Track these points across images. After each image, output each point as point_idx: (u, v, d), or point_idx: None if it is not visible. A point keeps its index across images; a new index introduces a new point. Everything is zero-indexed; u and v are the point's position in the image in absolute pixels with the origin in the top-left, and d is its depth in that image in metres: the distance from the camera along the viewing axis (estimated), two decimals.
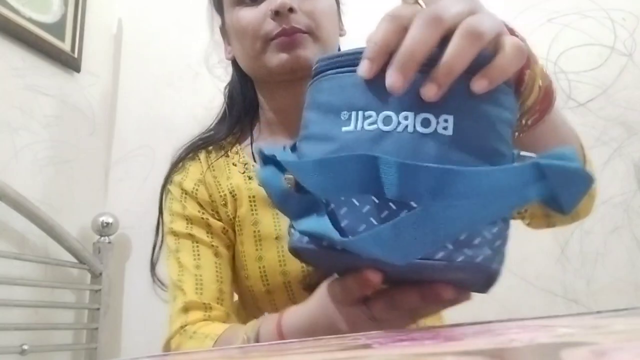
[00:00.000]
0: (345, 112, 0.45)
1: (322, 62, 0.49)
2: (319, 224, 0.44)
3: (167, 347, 0.78)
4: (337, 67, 0.47)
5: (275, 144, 0.72)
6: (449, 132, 0.42)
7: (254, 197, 0.81)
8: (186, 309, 0.77)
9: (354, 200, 0.44)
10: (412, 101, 0.43)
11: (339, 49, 0.85)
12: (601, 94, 1.57)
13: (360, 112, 0.45)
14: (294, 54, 0.76)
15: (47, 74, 1.65)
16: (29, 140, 1.56)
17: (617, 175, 1.52)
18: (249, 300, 0.82)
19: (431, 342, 0.30)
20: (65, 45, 1.71)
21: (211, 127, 0.92)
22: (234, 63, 0.89)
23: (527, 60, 0.52)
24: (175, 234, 0.82)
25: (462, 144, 0.43)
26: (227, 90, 0.95)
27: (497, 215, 0.43)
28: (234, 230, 0.82)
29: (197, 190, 0.83)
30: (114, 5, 1.98)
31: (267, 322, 0.63)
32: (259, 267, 0.79)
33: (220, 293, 0.78)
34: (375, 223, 0.42)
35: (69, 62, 1.72)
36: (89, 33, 1.81)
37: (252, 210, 0.81)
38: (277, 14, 0.75)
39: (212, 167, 0.85)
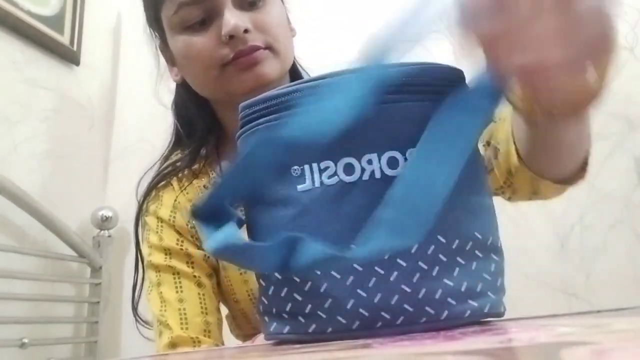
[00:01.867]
0: (296, 167, 0.39)
1: (249, 110, 0.42)
2: (314, 253, 0.35)
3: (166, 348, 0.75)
4: (271, 114, 0.40)
5: None
6: None
7: None
8: (174, 344, 0.73)
9: (334, 273, 0.37)
10: (373, 140, 0.37)
11: (295, 56, 0.81)
12: None
13: (314, 165, 0.38)
14: (256, 72, 0.71)
15: (46, 68, 1.65)
16: (28, 134, 1.56)
17: (617, 169, 1.52)
18: (241, 320, 0.80)
19: (431, 341, 0.30)
20: (64, 39, 1.70)
21: (168, 150, 0.90)
22: (183, 84, 0.84)
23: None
24: (155, 267, 0.78)
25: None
26: (175, 110, 0.93)
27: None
28: (213, 259, 0.78)
29: (174, 217, 0.80)
30: None
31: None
32: (246, 291, 0.76)
33: (206, 325, 0.75)
34: (364, 295, 0.37)
35: (68, 56, 1.72)
36: (88, 26, 1.81)
37: None
38: (231, 38, 0.70)
39: (186, 191, 0.81)
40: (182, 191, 0.81)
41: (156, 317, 0.76)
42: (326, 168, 0.38)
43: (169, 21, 0.76)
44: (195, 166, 0.83)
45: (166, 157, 0.89)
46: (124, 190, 1.85)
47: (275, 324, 0.40)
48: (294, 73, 0.82)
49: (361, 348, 0.29)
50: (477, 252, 0.39)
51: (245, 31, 0.70)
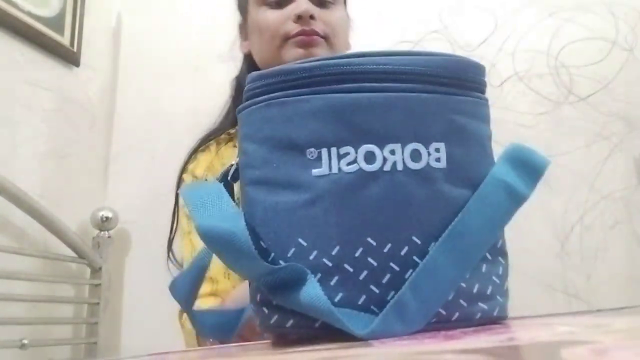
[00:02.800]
0: (313, 149, 0.36)
1: (259, 82, 0.39)
2: (320, 300, 0.34)
3: (180, 315, 0.90)
4: (290, 89, 0.38)
5: None
6: (442, 164, 0.36)
7: None
8: None
9: (347, 266, 0.36)
10: (397, 129, 0.36)
11: None
12: (602, 88, 1.57)
13: (333, 149, 0.36)
14: (309, 51, 0.84)
15: (46, 68, 1.65)
16: (28, 134, 1.56)
17: (617, 170, 1.52)
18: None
19: (431, 340, 0.30)
20: (65, 40, 1.70)
21: (219, 120, 1.02)
22: (247, 57, 0.98)
23: None
24: (187, 216, 0.91)
25: (456, 175, 0.37)
26: (234, 82, 1.04)
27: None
28: None
29: (206, 176, 0.92)
30: (113, 0, 1.98)
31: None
32: None
33: (226, 269, 0.82)
34: (377, 291, 0.35)
35: (68, 56, 1.72)
36: (88, 27, 1.80)
37: None
38: (299, 18, 0.84)
39: (222, 155, 0.94)
40: (216, 154, 0.93)
41: (186, 260, 0.89)
42: (346, 154, 0.36)
43: None
44: (235, 134, 0.94)
45: (214, 125, 1.02)
46: (124, 191, 1.86)
47: (277, 316, 0.37)
48: None
49: (362, 347, 0.29)
50: (487, 254, 0.38)
51: (312, 17, 0.84)
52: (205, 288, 0.82)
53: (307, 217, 0.36)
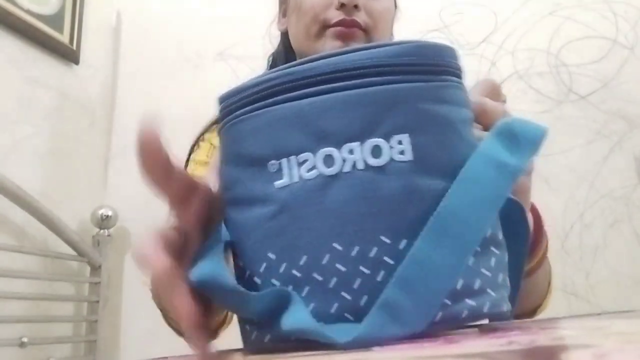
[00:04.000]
0: (273, 161, 0.36)
1: (228, 101, 0.39)
2: (302, 321, 0.33)
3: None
4: (248, 105, 0.38)
5: None
6: (408, 156, 0.34)
7: None
8: None
9: (316, 275, 0.34)
10: (353, 126, 0.35)
11: None
12: (602, 87, 1.57)
13: (292, 158, 0.35)
14: (347, 44, 0.79)
15: (46, 66, 1.65)
16: (28, 132, 1.56)
17: (617, 168, 1.52)
18: None
19: (430, 344, 0.29)
20: (64, 37, 1.70)
21: None
22: (284, 35, 0.93)
23: (541, 238, 0.57)
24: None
25: (427, 166, 0.35)
26: (270, 59, 1.00)
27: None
28: None
29: (208, 161, 0.91)
30: None
31: None
32: None
33: None
34: (349, 297, 0.34)
35: (68, 54, 1.71)
36: (88, 25, 1.80)
37: None
38: (342, 6, 0.78)
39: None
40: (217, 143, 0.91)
41: None
42: (305, 161, 0.35)
43: None
44: None
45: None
46: (124, 189, 1.86)
47: (256, 332, 0.37)
48: None
49: (361, 352, 0.29)
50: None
51: (356, 7, 0.79)
52: None
53: (274, 229, 0.36)
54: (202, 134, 0.98)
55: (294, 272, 0.35)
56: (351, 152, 0.34)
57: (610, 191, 1.51)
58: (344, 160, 0.34)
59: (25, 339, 1.36)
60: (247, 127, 0.37)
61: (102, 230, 1.71)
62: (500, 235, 0.38)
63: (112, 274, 1.73)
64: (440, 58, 0.37)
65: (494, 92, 0.45)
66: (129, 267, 1.79)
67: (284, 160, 0.36)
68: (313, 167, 0.35)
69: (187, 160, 0.96)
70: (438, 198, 0.34)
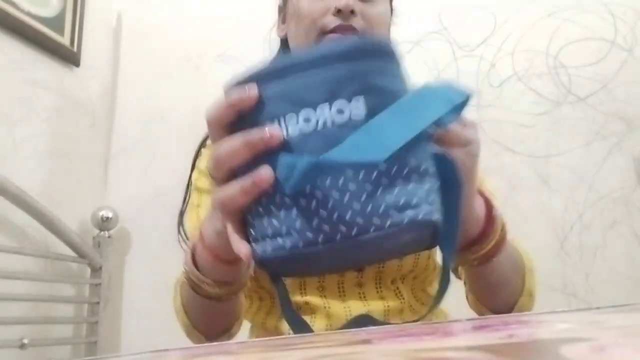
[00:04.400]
0: (268, 120, 0.47)
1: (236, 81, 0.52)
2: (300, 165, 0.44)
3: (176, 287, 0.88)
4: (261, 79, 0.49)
5: None
6: (363, 112, 0.46)
7: None
8: None
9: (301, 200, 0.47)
10: (325, 93, 0.46)
11: None
12: (601, 88, 1.57)
13: (285, 116, 0.46)
14: None
15: (47, 68, 1.65)
16: (29, 133, 1.56)
17: (616, 169, 1.52)
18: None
19: (430, 337, 0.30)
20: (65, 39, 1.70)
21: None
22: (284, 41, 0.95)
23: (493, 221, 0.62)
24: (198, 190, 0.92)
25: (375, 122, 0.45)
26: None
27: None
28: None
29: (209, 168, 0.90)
30: None
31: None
32: None
33: None
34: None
35: (68, 56, 1.72)
36: (88, 27, 1.81)
37: None
38: (339, 12, 0.81)
39: None
40: None
41: (191, 232, 0.89)
42: (291, 118, 0.46)
43: None
44: None
45: None
46: (125, 191, 1.86)
47: (261, 247, 0.48)
48: None
49: (360, 344, 0.30)
50: (413, 175, 0.46)
51: (352, 12, 0.81)
52: None
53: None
54: (205, 140, 0.98)
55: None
56: (322, 110, 0.46)
57: (610, 192, 1.51)
58: (317, 120, 0.46)
59: (25, 340, 1.36)
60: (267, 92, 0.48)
61: (102, 232, 1.71)
62: (432, 170, 0.49)
63: (113, 275, 1.73)
64: (381, 46, 0.50)
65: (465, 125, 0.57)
66: (130, 268, 1.79)
67: (281, 118, 0.46)
68: (296, 124, 0.46)
69: (193, 166, 0.98)
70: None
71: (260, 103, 0.47)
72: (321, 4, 0.84)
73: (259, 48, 1.84)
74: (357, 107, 0.45)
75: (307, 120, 0.45)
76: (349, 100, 0.45)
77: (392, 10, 0.93)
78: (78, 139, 1.76)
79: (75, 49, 1.74)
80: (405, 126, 0.45)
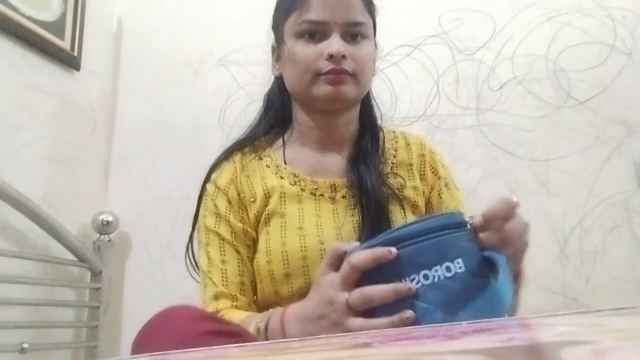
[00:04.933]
0: (397, 279, 0.63)
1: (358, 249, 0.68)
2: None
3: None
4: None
5: (303, 153, 0.98)
6: (463, 269, 0.62)
7: (284, 193, 0.95)
8: (216, 297, 0.91)
9: None
10: (434, 257, 0.63)
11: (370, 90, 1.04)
12: (601, 92, 1.57)
13: (407, 278, 0.63)
14: (338, 88, 0.91)
15: (47, 73, 1.65)
16: (29, 138, 1.56)
17: (616, 173, 1.52)
18: (266, 283, 0.92)
19: (431, 340, 0.30)
20: (65, 44, 1.71)
21: (248, 131, 1.05)
22: (279, 79, 1.01)
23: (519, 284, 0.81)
24: (206, 229, 0.96)
25: (471, 274, 0.62)
26: (267, 99, 1.07)
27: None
28: (256, 229, 0.95)
29: (228, 188, 0.97)
30: (114, 4, 1.98)
31: (275, 313, 0.77)
32: (282, 252, 0.90)
33: (242, 285, 0.92)
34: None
35: (69, 61, 1.72)
36: (89, 31, 1.81)
37: (281, 204, 0.94)
38: (331, 57, 0.89)
39: (246, 167, 0.99)
40: (243, 168, 0.98)
41: (203, 271, 0.94)
42: (413, 279, 0.62)
43: (291, 29, 0.94)
44: (260, 147, 1.02)
45: (243, 134, 1.05)
46: (125, 195, 1.86)
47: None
48: (365, 103, 1.03)
49: (361, 347, 0.30)
50: None
51: (343, 57, 0.90)
52: (225, 303, 0.90)
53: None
54: (209, 176, 1.01)
55: None
56: (436, 270, 0.62)
57: (610, 196, 1.51)
58: (433, 276, 0.62)
59: (25, 345, 1.36)
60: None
61: (102, 236, 1.71)
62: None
63: (113, 280, 1.73)
64: (462, 220, 0.67)
65: (505, 210, 0.69)
66: (130, 273, 1.79)
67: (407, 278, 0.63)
68: (419, 281, 0.62)
69: (207, 177, 1.01)
70: (483, 286, 0.62)
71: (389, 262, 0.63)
72: (314, 49, 0.91)
73: (258, 53, 1.84)
74: (459, 266, 0.62)
75: (425, 277, 0.62)
76: (452, 261, 0.62)
77: (376, 45, 1.00)
78: (78, 143, 1.76)
79: (75, 53, 1.74)
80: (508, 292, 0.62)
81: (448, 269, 0.63)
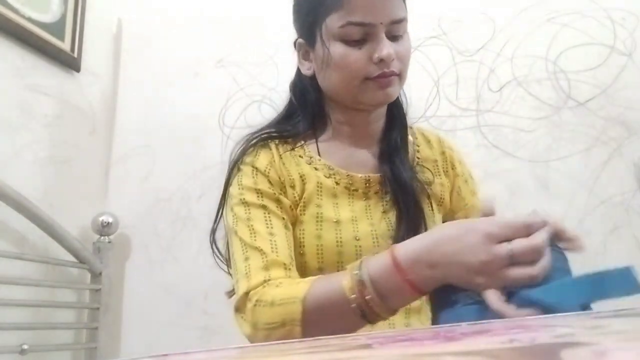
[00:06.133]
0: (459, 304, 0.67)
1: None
2: None
3: (242, 304, 0.80)
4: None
5: (335, 146, 0.95)
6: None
7: (320, 184, 0.91)
8: (267, 266, 0.81)
9: None
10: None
11: None
12: (601, 93, 1.57)
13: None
14: (387, 92, 0.88)
15: (47, 74, 1.65)
16: (29, 139, 1.56)
17: (616, 175, 1.52)
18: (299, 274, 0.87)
19: (431, 342, 0.30)
20: (65, 45, 1.71)
21: (275, 121, 1.01)
22: (312, 77, 0.96)
23: None
24: (246, 204, 0.88)
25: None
26: (294, 90, 1.02)
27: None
28: (296, 211, 0.90)
29: (269, 170, 0.91)
30: (114, 5, 1.98)
31: (377, 258, 0.70)
32: (317, 245, 0.87)
33: (291, 258, 0.84)
34: None
35: (69, 62, 1.72)
36: (89, 32, 1.81)
37: (317, 194, 0.90)
38: (381, 61, 0.86)
39: (284, 160, 0.93)
40: (280, 156, 0.93)
41: (245, 244, 0.84)
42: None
43: (332, 30, 0.88)
44: (292, 140, 0.97)
45: (271, 124, 1.00)
46: (125, 196, 1.86)
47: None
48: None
49: (361, 349, 0.30)
50: None
51: (392, 59, 0.87)
52: (279, 272, 0.81)
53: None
54: (241, 157, 0.95)
55: None
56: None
57: (610, 197, 1.51)
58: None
59: (25, 346, 1.36)
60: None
61: (102, 237, 1.71)
62: None
63: (113, 281, 1.73)
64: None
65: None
66: (130, 274, 1.79)
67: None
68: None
69: (227, 185, 0.94)
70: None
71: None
72: (361, 54, 0.87)
73: (258, 54, 1.84)
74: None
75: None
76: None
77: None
78: (78, 144, 1.76)
79: (75, 54, 1.74)
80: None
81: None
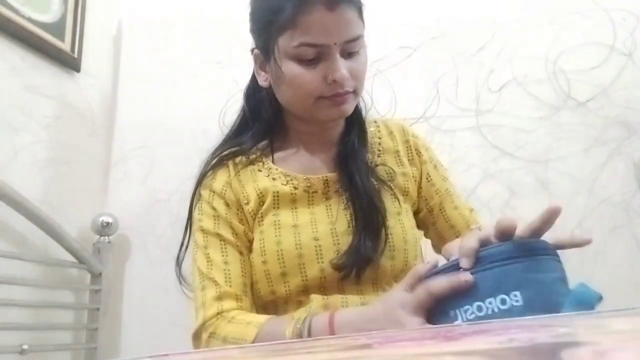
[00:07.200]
0: (451, 312, 0.62)
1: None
2: None
3: (199, 332, 0.86)
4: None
5: (293, 153, 0.97)
6: (520, 303, 0.59)
7: (277, 193, 0.93)
8: (220, 297, 0.87)
9: None
10: (490, 289, 0.61)
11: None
12: (600, 93, 1.57)
13: (460, 309, 0.62)
14: (341, 109, 0.89)
15: (47, 74, 1.65)
16: (29, 140, 1.56)
17: (616, 174, 1.52)
18: (262, 284, 0.90)
19: (431, 342, 0.30)
20: (65, 45, 1.71)
21: (231, 134, 1.03)
22: (268, 88, 0.97)
23: None
24: (204, 231, 0.93)
25: (531, 308, 0.58)
26: (246, 97, 1.03)
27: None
28: (252, 230, 0.93)
29: (225, 191, 0.95)
30: (114, 5, 1.98)
31: (319, 316, 0.76)
32: (277, 251, 0.88)
33: (244, 287, 0.89)
34: None
35: (69, 62, 1.72)
36: (89, 33, 1.81)
37: (274, 204, 0.92)
38: (334, 81, 0.86)
39: (240, 177, 0.96)
40: (236, 174, 0.96)
41: (202, 273, 0.90)
42: (467, 310, 0.61)
43: (285, 49, 0.87)
44: (252, 155, 0.99)
45: (227, 139, 1.03)
46: (125, 197, 1.86)
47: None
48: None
49: (361, 348, 0.30)
50: None
51: (346, 79, 0.87)
52: (230, 304, 0.87)
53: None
54: (201, 181, 0.99)
55: None
56: (490, 303, 0.60)
57: (610, 197, 1.51)
58: (487, 308, 0.60)
59: (25, 346, 1.36)
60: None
61: (102, 238, 1.71)
62: None
63: (113, 282, 1.73)
64: (536, 246, 0.65)
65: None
66: (130, 275, 1.79)
67: (457, 311, 0.63)
68: (472, 313, 0.61)
69: (191, 208, 0.98)
70: None
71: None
72: (315, 74, 0.86)
73: None
74: (516, 299, 0.59)
75: (479, 309, 0.60)
76: (508, 294, 0.60)
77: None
78: (78, 145, 1.76)
79: (75, 54, 1.74)
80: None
81: (503, 301, 0.60)
